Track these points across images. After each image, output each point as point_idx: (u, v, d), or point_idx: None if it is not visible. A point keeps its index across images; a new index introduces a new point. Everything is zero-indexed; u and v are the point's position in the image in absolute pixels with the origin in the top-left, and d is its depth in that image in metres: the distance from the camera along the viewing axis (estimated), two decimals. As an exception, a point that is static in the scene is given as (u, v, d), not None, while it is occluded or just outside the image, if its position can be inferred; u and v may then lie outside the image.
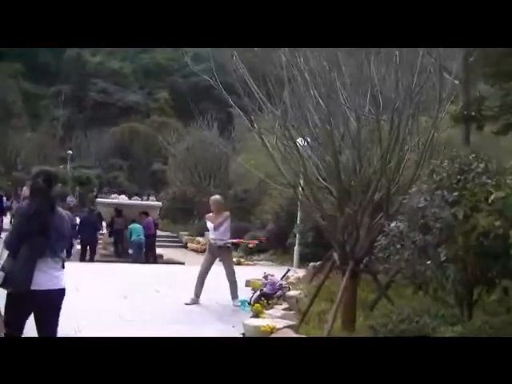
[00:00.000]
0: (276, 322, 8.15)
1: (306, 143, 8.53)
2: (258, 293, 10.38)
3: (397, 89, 7.54)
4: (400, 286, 9.59)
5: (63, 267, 5.37)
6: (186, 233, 25.06)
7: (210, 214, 11.42)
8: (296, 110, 8.48)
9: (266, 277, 13.06)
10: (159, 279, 13.73)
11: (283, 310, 9.41)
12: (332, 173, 8.30)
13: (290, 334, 7.57)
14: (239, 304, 10.85)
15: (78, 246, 18.47)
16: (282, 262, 18.79)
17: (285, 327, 7.80)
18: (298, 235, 17.70)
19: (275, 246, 20.25)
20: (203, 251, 22.78)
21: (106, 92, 63.58)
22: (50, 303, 5.26)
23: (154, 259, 20.02)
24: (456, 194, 6.21)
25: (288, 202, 19.58)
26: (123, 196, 27.85)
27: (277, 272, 13.86)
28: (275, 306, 9.58)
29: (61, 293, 5.32)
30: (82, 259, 18.12)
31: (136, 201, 26.87)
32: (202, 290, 10.93)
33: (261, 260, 19.42)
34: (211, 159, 28.52)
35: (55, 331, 5.39)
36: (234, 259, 20.43)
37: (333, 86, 7.89)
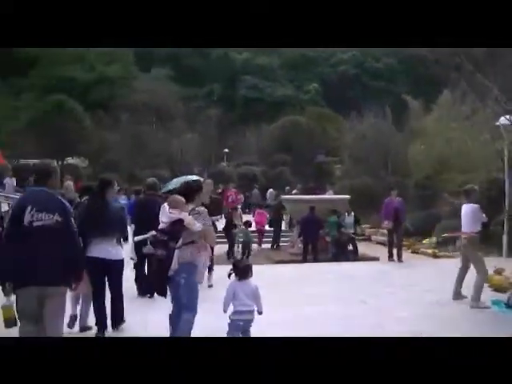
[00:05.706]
0: None
1: None
2: (519, 291, 9.38)
3: None
4: None
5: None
6: (368, 225, 24.22)
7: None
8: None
9: (497, 271, 12.17)
10: (381, 278, 13.08)
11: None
12: None
13: None
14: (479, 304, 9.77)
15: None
16: (485, 252, 17.54)
17: None
18: (506, 222, 16.40)
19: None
20: (388, 244, 21.81)
21: (257, 88, 64.08)
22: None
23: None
24: None
25: (487, 186, 18.29)
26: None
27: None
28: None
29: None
30: (305, 257, 17.71)
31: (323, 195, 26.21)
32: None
33: (457, 251, 18.17)
34: (386, 147, 27.53)
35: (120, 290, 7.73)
36: (429, 251, 19.50)
37: None
